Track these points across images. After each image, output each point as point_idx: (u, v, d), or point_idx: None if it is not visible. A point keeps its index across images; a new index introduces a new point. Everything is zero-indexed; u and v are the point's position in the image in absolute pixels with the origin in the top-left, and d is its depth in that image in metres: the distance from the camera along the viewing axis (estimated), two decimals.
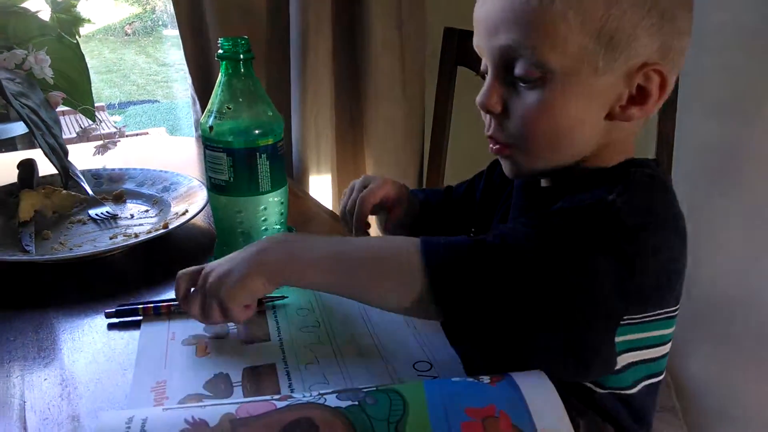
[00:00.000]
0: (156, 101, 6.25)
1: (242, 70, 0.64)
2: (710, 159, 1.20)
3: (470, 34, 1.16)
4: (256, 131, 0.65)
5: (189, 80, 1.24)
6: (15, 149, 2.38)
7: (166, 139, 1.39)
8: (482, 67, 0.62)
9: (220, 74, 0.65)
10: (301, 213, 0.91)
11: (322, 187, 1.30)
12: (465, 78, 1.20)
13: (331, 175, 1.30)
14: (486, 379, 0.47)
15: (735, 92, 1.21)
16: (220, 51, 0.64)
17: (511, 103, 0.58)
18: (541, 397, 0.45)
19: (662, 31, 0.54)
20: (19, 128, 2.39)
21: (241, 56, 0.64)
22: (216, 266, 0.56)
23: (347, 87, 1.27)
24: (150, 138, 1.64)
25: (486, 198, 0.76)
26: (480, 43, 0.60)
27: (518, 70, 0.56)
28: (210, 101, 0.65)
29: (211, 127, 0.65)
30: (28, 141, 2.51)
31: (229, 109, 0.65)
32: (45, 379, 0.56)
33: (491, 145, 0.62)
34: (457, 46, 1.19)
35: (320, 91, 1.22)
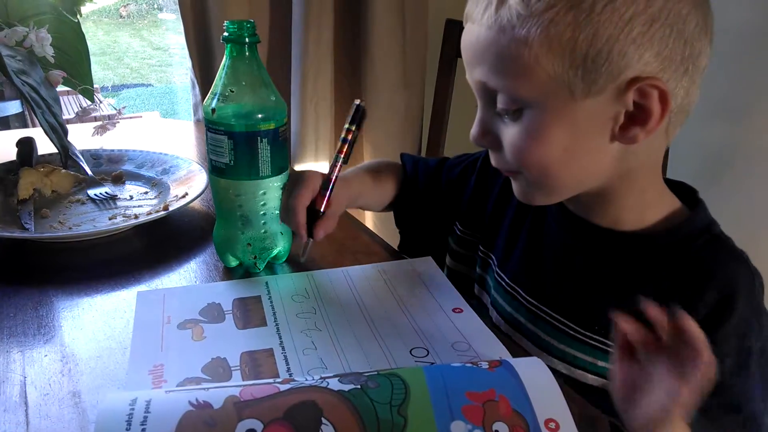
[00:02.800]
0: (150, 85, 6.20)
1: (247, 53, 0.64)
2: (707, 160, 1.21)
3: None
4: (259, 115, 0.65)
5: (189, 64, 1.23)
6: (8, 128, 2.37)
7: (164, 122, 1.39)
8: (473, 88, 0.60)
9: (224, 57, 0.65)
10: None
11: None
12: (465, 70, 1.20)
13: (329, 163, 1.30)
14: (484, 364, 0.48)
15: (733, 93, 1.22)
16: (226, 34, 0.64)
17: (501, 135, 0.56)
18: (539, 383, 0.46)
19: (655, 38, 0.49)
20: (13, 107, 2.38)
21: (247, 40, 0.64)
22: None
23: (348, 74, 1.27)
24: (147, 120, 1.63)
25: (477, 195, 0.75)
26: (467, 76, 0.58)
27: (498, 103, 0.54)
28: (213, 84, 0.65)
29: (213, 110, 0.64)
30: (21, 120, 2.49)
31: (232, 92, 0.64)
32: (45, 356, 0.56)
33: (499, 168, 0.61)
34: (458, 38, 1.19)
35: (320, 78, 1.22)
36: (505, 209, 0.70)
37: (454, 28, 1.20)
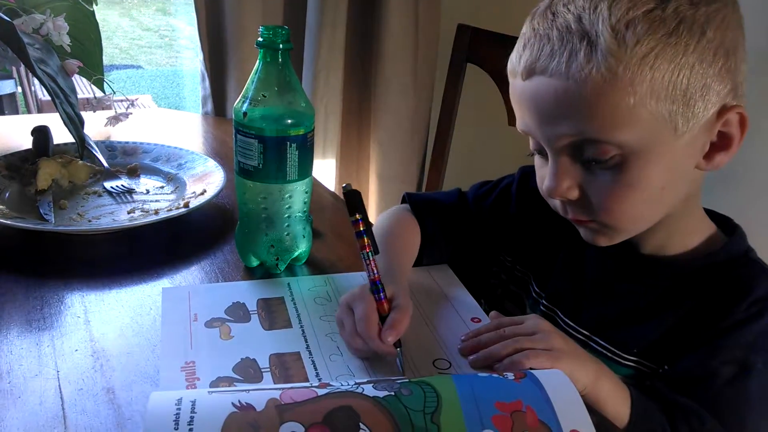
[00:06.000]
0: (139, 67, 6.14)
1: (280, 59, 0.65)
2: (707, 176, 1.24)
3: (482, 32, 1.20)
4: (289, 121, 0.66)
5: (200, 56, 1.24)
6: (1, 108, 2.34)
7: (171, 113, 1.39)
8: (533, 146, 0.59)
9: (257, 62, 0.66)
10: (315, 200, 0.92)
11: (325, 172, 1.32)
12: (474, 75, 1.22)
13: (335, 161, 1.32)
14: (510, 376, 0.50)
15: None
16: (260, 39, 0.65)
17: (586, 185, 0.56)
18: (563, 395, 0.48)
19: (730, 69, 0.53)
20: (7, 86, 2.35)
21: (280, 46, 0.65)
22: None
23: (358, 76, 1.29)
24: (155, 111, 1.63)
25: (520, 221, 0.72)
26: (530, 129, 0.57)
27: (589, 152, 0.54)
28: (245, 87, 0.66)
29: (245, 113, 0.66)
30: (12, 103, 2.46)
31: (264, 97, 0.66)
32: (76, 350, 0.57)
33: (569, 217, 0.60)
34: (469, 44, 1.21)
35: (331, 78, 1.23)
36: (542, 229, 0.70)
37: (464, 33, 1.22)
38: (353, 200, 0.58)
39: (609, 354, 0.63)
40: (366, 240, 0.58)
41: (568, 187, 0.56)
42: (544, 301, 0.69)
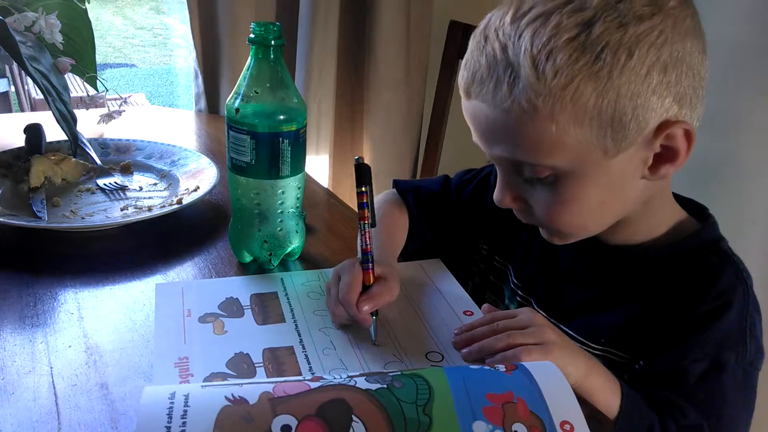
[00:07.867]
0: (133, 65, 6.13)
1: (272, 55, 0.66)
2: (698, 170, 1.25)
3: (474, 28, 1.20)
4: (281, 117, 0.66)
5: (193, 54, 1.24)
6: None
7: (164, 110, 1.38)
8: (488, 157, 0.60)
9: (249, 58, 0.66)
10: (308, 196, 0.92)
11: (319, 168, 1.32)
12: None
13: (329, 157, 1.32)
14: (501, 367, 0.50)
15: (722, 104, 1.25)
16: (252, 36, 0.65)
17: (529, 197, 0.58)
18: (554, 386, 0.49)
19: (670, 83, 0.51)
20: (0, 86, 2.34)
21: (272, 42, 0.65)
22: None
23: (351, 72, 1.29)
24: (148, 108, 1.62)
25: (496, 210, 0.71)
26: (479, 143, 0.58)
27: (526, 172, 0.55)
28: (237, 83, 0.67)
29: (237, 110, 0.66)
30: (6, 102, 2.45)
31: (256, 93, 0.66)
32: (69, 346, 0.57)
33: (523, 221, 0.62)
34: (461, 40, 1.21)
35: (324, 76, 1.23)
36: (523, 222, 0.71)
37: (457, 30, 1.22)
38: (362, 173, 0.61)
39: (578, 344, 0.63)
40: (366, 212, 0.61)
41: (512, 199, 0.59)
42: (520, 292, 0.70)
